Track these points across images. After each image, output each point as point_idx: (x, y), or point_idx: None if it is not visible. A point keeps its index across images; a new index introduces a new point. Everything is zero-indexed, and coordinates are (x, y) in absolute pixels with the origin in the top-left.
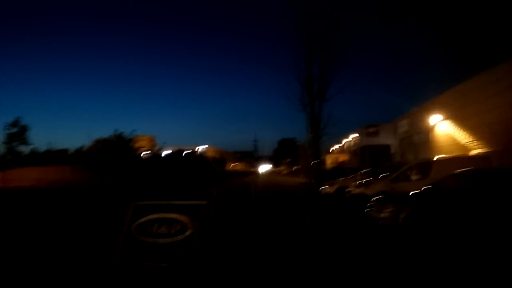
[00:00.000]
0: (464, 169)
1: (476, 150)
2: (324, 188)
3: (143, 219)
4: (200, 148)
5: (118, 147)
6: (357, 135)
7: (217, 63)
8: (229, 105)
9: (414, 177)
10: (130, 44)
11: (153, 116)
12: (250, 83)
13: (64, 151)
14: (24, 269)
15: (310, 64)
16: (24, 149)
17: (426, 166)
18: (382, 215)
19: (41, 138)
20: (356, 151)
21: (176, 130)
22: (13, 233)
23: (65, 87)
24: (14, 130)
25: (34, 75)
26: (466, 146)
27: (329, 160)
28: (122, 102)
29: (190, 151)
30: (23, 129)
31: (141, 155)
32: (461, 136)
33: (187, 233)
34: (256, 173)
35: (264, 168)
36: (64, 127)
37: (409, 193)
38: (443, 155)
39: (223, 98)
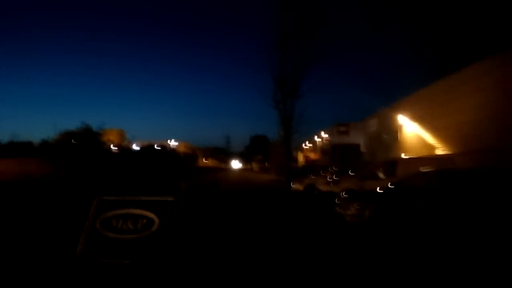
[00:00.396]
0: (428, 168)
1: (441, 151)
2: (295, 185)
3: (108, 214)
4: (171, 143)
5: (85, 140)
6: (328, 133)
7: (189, 58)
8: (202, 100)
9: (380, 176)
10: (101, 36)
11: (123, 110)
12: (223, 79)
13: (29, 144)
14: None
15: (283, 61)
16: None
17: (392, 165)
18: (348, 212)
19: (4, 130)
20: (327, 149)
21: (146, 125)
22: None
23: (30, 78)
24: None
25: None
26: (432, 147)
27: (300, 158)
28: (91, 95)
29: (161, 146)
30: None
31: (110, 148)
32: (428, 137)
33: (153, 229)
34: (226, 169)
35: (234, 164)
36: (30, 119)
37: (375, 191)
38: (409, 155)
39: (195, 93)
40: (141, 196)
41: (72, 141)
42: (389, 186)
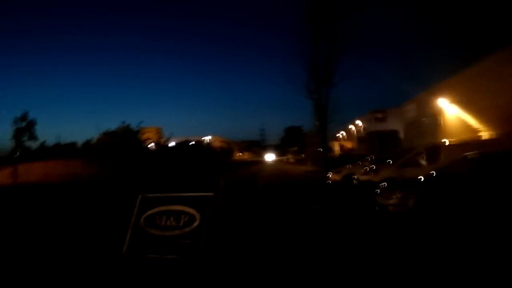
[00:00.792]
0: (474, 152)
1: (485, 134)
2: (332, 175)
3: (150, 211)
4: (207, 139)
5: (125, 139)
6: (364, 121)
7: (222, 52)
8: (235, 94)
9: (422, 162)
10: (136, 36)
11: (159, 107)
12: (256, 71)
13: (73, 145)
14: (33, 264)
15: (316, 50)
16: (33, 144)
17: (435, 151)
18: (390, 201)
19: (49, 132)
20: (363, 137)
21: (182, 121)
22: (21, 229)
23: (71, 81)
24: (22, 124)
25: (40, 69)
26: (475, 130)
27: (336, 147)
28: (129, 94)
29: (196, 142)
30: (31, 124)
31: (148, 146)
32: (470, 120)
33: (195, 224)
34: (262, 162)
35: (269, 157)
36: (72, 120)
37: (418, 179)
38: (452, 140)
39: (229, 87)
40: (182, 193)
41: (114, 141)
42: (433, 173)
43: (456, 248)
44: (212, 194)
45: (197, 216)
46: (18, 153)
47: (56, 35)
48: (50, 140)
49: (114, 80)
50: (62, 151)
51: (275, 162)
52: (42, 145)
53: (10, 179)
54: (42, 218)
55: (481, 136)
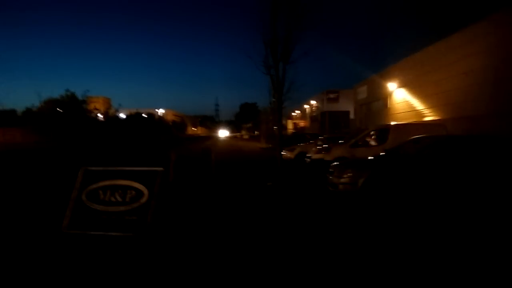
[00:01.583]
0: (422, 135)
1: (431, 118)
2: (285, 153)
3: (94, 186)
4: (159, 112)
5: (70, 108)
6: (317, 101)
7: (178, 25)
8: (191, 68)
9: (372, 143)
10: (86, 3)
11: (108, 77)
12: (212, 44)
13: (12, 112)
14: None
15: (275, 24)
16: None
17: (384, 132)
18: (341, 180)
19: None
20: (316, 116)
21: (134, 93)
22: None
23: (11, 43)
24: None
25: None
26: (422, 114)
27: (290, 126)
28: (75, 60)
29: (148, 114)
30: None
31: (96, 117)
32: (417, 104)
33: (142, 200)
34: (216, 138)
35: (222, 133)
36: (13, 86)
37: (368, 159)
38: (398, 122)
39: (184, 61)
40: (130, 167)
41: (57, 109)
42: (382, 154)
43: (397, 227)
44: (162, 169)
45: (145, 191)
46: None
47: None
48: None
49: (61, 46)
50: (1, 118)
51: (228, 138)
52: None
53: None
54: None
55: (426, 120)
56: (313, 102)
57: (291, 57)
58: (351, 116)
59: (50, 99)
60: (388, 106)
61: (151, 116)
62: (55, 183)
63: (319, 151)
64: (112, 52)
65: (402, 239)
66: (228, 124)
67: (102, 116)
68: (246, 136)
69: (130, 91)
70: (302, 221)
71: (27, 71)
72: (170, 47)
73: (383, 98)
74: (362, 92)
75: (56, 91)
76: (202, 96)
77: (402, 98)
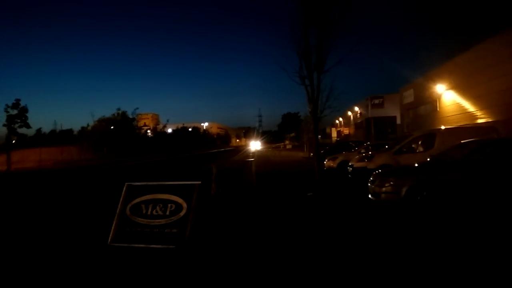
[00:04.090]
0: (470, 140)
1: (483, 120)
2: (327, 162)
3: (137, 200)
4: (204, 125)
5: (121, 126)
6: (361, 107)
7: (218, 38)
8: (234, 80)
9: (418, 149)
10: (131, 23)
11: (156, 94)
12: (254, 58)
13: (69, 131)
14: (18, 252)
15: (307, 34)
16: (26, 131)
17: (430, 137)
18: (383, 189)
19: (46, 119)
20: (361, 123)
21: (179, 108)
22: (8, 218)
23: (66, 68)
24: (14, 112)
25: (36, 57)
26: (473, 116)
27: (333, 134)
28: (125, 80)
29: (194, 128)
30: (23, 111)
31: (145, 133)
32: (468, 106)
33: (182, 213)
34: (257, 149)
35: (254, 145)
36: (69, 107)
37: (412, 166)
38: (448, 126)
39: (227, 74)
40: (169, 182)
41: (110, 127)
42: (428, 160)
43: (443, 239)
44: (199, 182)
45: (184, 205)
46: (14, 141)
47: (51, 23)
48: (47, 127)
49: (110, 67)
50: (58, 137)
51: (267, 149)
52: (39, 131)
53: (3, 166)
54: (29, 206)
55: (478, 122)
56: (357, 109)
57: (325, 66)
58: (398, 121)
59: (103, 118)
60: (437, 109)
61: (196, 130)
62: (105, 198)
63: (361, 159)
64: (160, 69)
65: (449, 250)
66: (271, 135)
67: (150, 132)
68: (289, 146)
69: (177, 106)
70: (341, 233)
71: (82, 92)
72: (213, 62)
73: (432, 101)
74: (409, 96)
75: (108, 111)
76: (246, 108)
77: (452, 100)
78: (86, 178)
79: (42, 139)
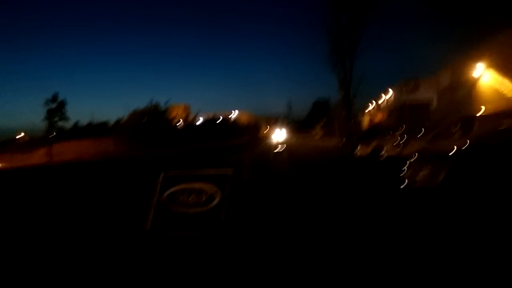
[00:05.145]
0: (510, 125)
1: None
2: (360, 149)
3: (172, 189)
4: (234, 115)
5: (154, 118)
6: (395, 92)
7: (247, 26)
8: (263, 69)
9: (455, 134)
10: (161, 16)
11: (187, 84)
12: (282, 45)
13: (105, 124)
14: (62, 239)
15: (339, 20)
16: (65, 124)
17: (469, 122)
18: (419, 176)
19: (83, 112)
20: (394, 109)
21: (210, 96)
22: (51, 207)
23: (101, 60)
24: (53, 105)
25: (70, 52)
26: None
27: (365, 120)
28: (157, 71)
29: (223, 118)
30: (62, 104)
31: (176, 125)
32: (508, 90)
33: (216, 201)
34: (289, 137)
35: (277, 135)
36: (104, 99)
37: (449, 152)
38: (487, 110)
39: (256, 61)
40: (203, 170)
41: (143, 119)
42: (466, 145)
43: (482, 226)
44: (232, 170)
45: (218, 193)
46: (54, 133)
47: (84, 16)
48: (84, 120)
49: (142, 60)
50: (95, 130)
51: (298, 138)
52: (76, 125)
53: (45, 158)
54: (72, 196)
55: None
56: (390, 93)
57: (357, 51)
58: (434, 105)
59: (136, 110)
60: (475, 93)
61: (226, 119)
62: (142, 187)
63: (396, 146)
64: (190, 61)
65: (481, 240)
66: (301, 123)
67: (182, 123)
68: (320, 133)
69: (209, 96)
70: (378, 219)
71: (117, 85)
72: (244, 50)
73: (470, 84)
74: (445, 79)
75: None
76: (275, 96)
77: (491, 83)
78: (122, 169)
79: (79, 131)
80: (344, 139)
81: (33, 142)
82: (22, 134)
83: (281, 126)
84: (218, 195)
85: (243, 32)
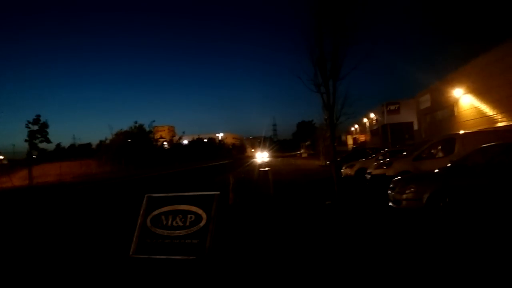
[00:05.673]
0: (491, 143)
1: (503, 123)
2: (344, 170)
3: (157, 211)
4: (219, 136)
5: (138, 139)
6: (377, 113)
7: (232, 48)
8: (247, 90)
9: (437, 155)
10: (145, 36)
11: (171, 106)
12: (267, 66)
13: (88, 145)
14: (41, 264)
15: (322, 41)
16: (47, 145)
17: (450, 142)
18: (404, 196)
19: (65, 134)
20: (377, 130)
21: (194, 119)
22: (29, 230)
23: (83, 82)
24: (35, 127)
25: (53, 72)
26: (493, 119)
27: (349, 141)
28: (140, 93)
29: (209, 139)
30: (44, 126)
31: (161, 145)
32: (487, 109)
33: (202, 224)
34: (272, 158)
35: (260, 156)
36: (87, 121)
37: (432, 172)
38: (468, 130)
39: (240, 83)
40: (188, 193)
41: (127, 141)
42: (449, 165)
43: (468, 246)
44: (218, 193)
45: (204, 215)
46: (35, 156)
47: (67, 37)
48: (66, 141)
49: (125, 80)
50: (78, 151)
51: (284, 158)
52: (58, 146)
53: (26, 180)
54: (50, 219)
55: (498, 126)
56: (372, 115)
57: (341, 73)
58: (415, 126)
59: (120, 132)
60: (456, 114)
61: (212, 141)
62: (124, 210)
63: (379, 166)
64: (175, 81)
65: (474, 259)
66: (286, 143)
67: (167, 144)
68: (305, 155)
69: (192, 118)
70: (362, 242)
71: (100, 106)
72: (228, 72)
73: (449, 105)
74: (425, 101)
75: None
76: (260, 117)
77: (470, 104)
78: (105, 191)
79: (62, 153)
80: (328, 161)
81: (13, 164)
82: (1, 157)
83: (265, 147)
84: (204, 218)
85: (228, 55)
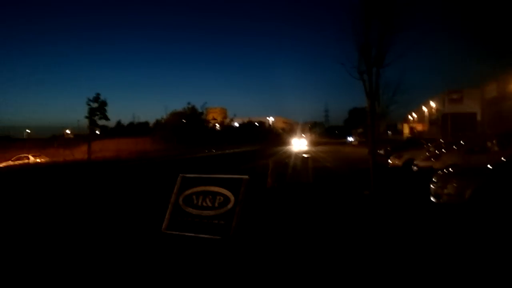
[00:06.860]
0: None
1: None
2: (392, 160)
3: (189, 191)
4: (270, 120)
5: (191, 120)
6: (437, 102)
7: (284, 33)
8: (300, 75)
9: (492, 149)
10: (200, 19)
11: (224, 88)
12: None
13: (145, 124)
14: (83, 237)
15: (369, 27)
16: (106, 122)
17: (508, 137)
18: (445, 191)
19: (127, 111)
20: (436, 119)
21: (246, 101)
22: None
23: (144, 62)
24: (95, 105)
25: (114, 52)
26: None
27: (405, 130)
28: (195, 75)
29: (259, 123)
30: (103, 104)
31: (214, 126)
32: None
33: (229, 206)
34: (320, 144)
35: (297, 144)
36: (146, 100)
37: (480, 167)
38: None
39: (293, 68)
40: (219, 175)
41: (181, 121)
42: (503, 161)
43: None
44: (246, 177)
45: (232, 198)
46: (97, 131)
47: (128, 18)
48: (125, 119)
49: (182, 61)
50: (136, 129)
51: (333, 145)
52: (119, 123)
53: (85, 155)
54: (98, 193)
55: None
56: (432, 104)
57: (385, 60)
58: (478, 117)
59: (175, 112)
60: None
61: (262, 124)
62: (166, 187)
63: (428, 158)
64: (228, 64)
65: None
66: (337, 130)
67: (218, 126)
68: (355, 142)
69: (244, 101)
70: (392, 236)
71: (157, 87)
72: (281, 56)
73: None
74: (491, 91)
75: (180, 104)
76: (312, 102)
77: None
78: (153, 168)
79: (121, 130)
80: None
81: (77, 138)
82: (68, 131)
83: (313, 133)
84: (232, 200)
85: (281, 40)
